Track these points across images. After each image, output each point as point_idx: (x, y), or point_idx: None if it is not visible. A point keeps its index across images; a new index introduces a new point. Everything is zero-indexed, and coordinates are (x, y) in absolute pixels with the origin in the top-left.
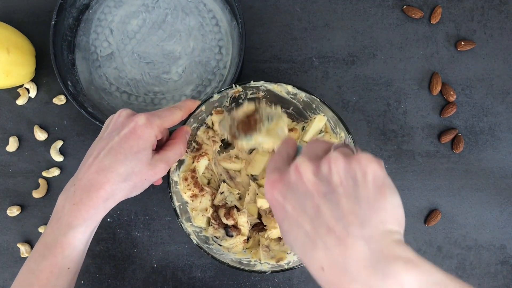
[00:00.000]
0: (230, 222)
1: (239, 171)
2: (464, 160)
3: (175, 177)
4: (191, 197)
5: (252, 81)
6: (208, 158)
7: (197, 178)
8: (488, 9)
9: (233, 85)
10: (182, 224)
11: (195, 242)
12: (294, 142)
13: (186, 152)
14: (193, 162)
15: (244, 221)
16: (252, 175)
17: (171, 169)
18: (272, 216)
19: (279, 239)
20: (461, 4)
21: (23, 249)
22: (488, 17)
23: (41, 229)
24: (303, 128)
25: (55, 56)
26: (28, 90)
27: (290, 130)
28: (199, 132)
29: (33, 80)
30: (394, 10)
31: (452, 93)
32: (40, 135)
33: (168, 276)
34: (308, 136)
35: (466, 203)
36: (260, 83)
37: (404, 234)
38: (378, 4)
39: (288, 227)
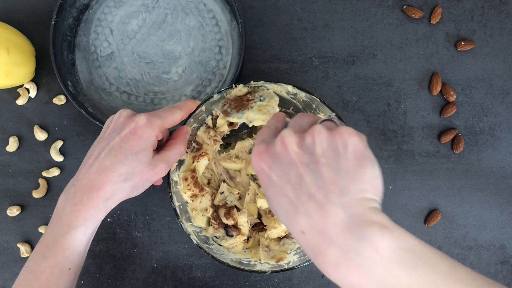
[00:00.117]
0: (230, 222)
1: (239, 171)
2: (464, 160)
3: (175, 177)
4: (191, 197)
5: (252, 81)
6: (208, 158)
7: (197, 178)
8: (488, 9)
9: (233, 85)
10: (182, 224)
11: (195, 242)
12: (283, 117)
13: (186, 152)
14: (193, 162)
15: (244, 221)
16: (252, 175)
17: (171, 169)
18: (272, 216)
19: (279, 239)
20: (461, 4)
21: (23, 249)
22: (488, 17)
23: (41, 229)
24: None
25: (55, 56)
26: (28, 90)
27: None
28: (199, 132)
29: (33, 80)
30: (394, 10)
31: (452, 93)
32: (40, 135)
33: (168, 276)
34: None
35: (466, 203)
36: (260, 83)
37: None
38: (378, 4)
39: (273, 195)
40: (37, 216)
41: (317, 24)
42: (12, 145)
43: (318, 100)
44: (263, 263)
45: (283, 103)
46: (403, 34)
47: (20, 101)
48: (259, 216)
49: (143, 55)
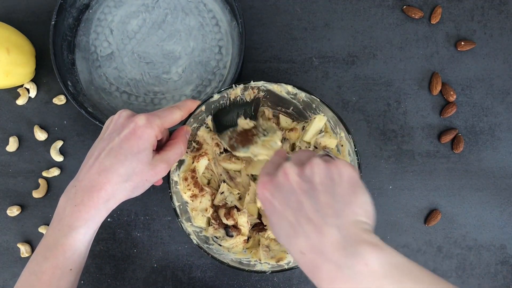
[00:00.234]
0: (230, 222)
1: (239, 171)
2: (464, 160)
3: (175, 177)
4: (191, 197)
5: (252, 81)
6: (208, 158)
7: (197, 178)
8: (488, 9)
9: (233, 85)
10: (182, 224)
11: (195, 242)
12: (284, 153)
13: (186, 152)
14: (193, 162)
15: (244, 221)
16: (252, 175)
17: (171, 169)
18: None
19: None
20: (461, 4)
21: (23, 249)
22: (488, 17)
23: (41, 229)
24: (303, 128)
25: (55, 56)
26: (28, 90)
27: (291, 129)
28: (199, 132)
29: (33, 80)
30: (394, 10)
31: (452, 93)
32: (40, 135)
33: (168, 276)
34: (308, 136)
35: (466, 203)
36: (260, 83)
37: (404, 235)
38: (378, 4)
39: (275, 220)
40: (37, 216)
41: (317, 24)
42: (12, 145)
43: (318, 100)
44: (263, 263)
45: (283, 103)
46: (403, 34)
47: (20, 101)
48: (259, 216)
49: (143, 55)
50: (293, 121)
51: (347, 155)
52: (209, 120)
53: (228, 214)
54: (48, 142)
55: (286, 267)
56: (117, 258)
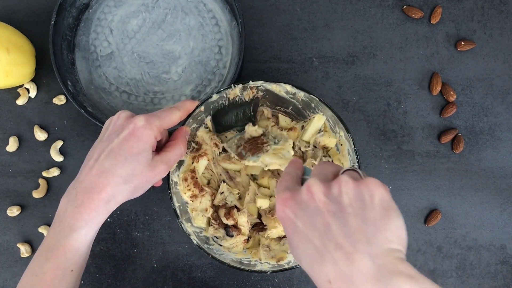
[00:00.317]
0: (230, 222)
1: (238, 171)
2: (464, 160)
3: (174, 177)
4: (191, 197)
5: (251, 81)
6: (208, 158)
7: (196, 178)
8: (488, 9)
9: (232, 85)
10: (182, 225)
11: (195, 242)
12: (300, 163)
13: (186, 152)
14: (192, 163)
15: (244, 221)
16: (251, 175)
17: (171, 170)
18: (272, 216)
19: (279, 238)
20: (461, 4)
21: (23, 249)
22: (488, 17)
23: (41, 229)
24: (302, 128)
25: (54, 56)
26: (28, 90)
27: (290, 129)
28: (198, 133)
29: (33, 80)
30: (394, 10)
31: (452, 93)
32: (40, 135)
33: (168, 276)
34: (307, 135)
35: (466, 203)
36: (259, 83)
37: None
38: (378, 4)
39: (298, 242)
40: (37, 216)
41: (317, 24)
42: (12, 145)
43: (317, 99)
44: (264, 263)
45: (282, 102)
46: (403, 34)
47: (20, 101)
48: (259, 216)
49: (143, 54)
50: (292, 121)
51: (346, 154)
52: (208, 121)
53: (228, 214)
54: (48, 142)
55: (286, 266)
56: (117, 258)
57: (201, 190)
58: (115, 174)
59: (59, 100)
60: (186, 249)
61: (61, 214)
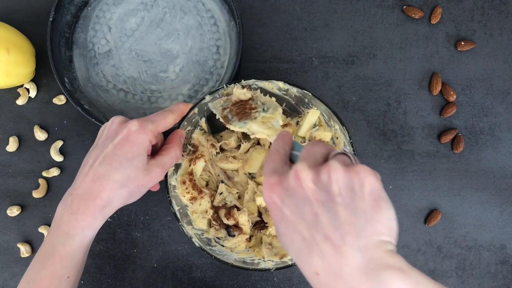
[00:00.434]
0: (231, 222)
1: (236, 170)
2: (464, 160)
3: (173, 181)
4: (190, 200)
5: (243, 80)
6: (205, 160)
7: (195, 180)
8: (488, 9)
9: (224, 85)
10: (183, 228)
11: (197, 244)
12: (290, 138)
13: (182, 155)
14: (190, 165)
15: (245, 220)
16: (249, 174)
17: (168, 174)
18: None
19: None
20: (461, 4)
21: (23, 249)
22: (488, 17)
23: (41, 229)
24: (297, 123)
25: (52, 53)
26: (28, 90)
27: (284, 125)
28: (194, 135)
29: (33, 80)
30: (394, 10)
31: (452, 93)
32: (40, 135)
33: (168, 276)
34: (302, 131)
35: (466, 203)
36: (251, 81)
37: (404, 234)
38: (378, 4)
39: (285, 230)
40: (37, 216)
41: (317, 24)
42: (12, 145)
43: (310, 94)
44: (267, 261)
45: (276, 99)
46: (403, 34)
47: (20, 101)
48: (260, 214)
49: (140, 53)
50: (287, 117)
51: (343, 147)
52: (203, 122)
53: (229, 214)
54: (48, 142)
55: (290, 263)
56: (117, 258)
57: (200, 192)
58: (110, 179)
59: (59, 100)
60: (186, 249)
61: (57, 220)
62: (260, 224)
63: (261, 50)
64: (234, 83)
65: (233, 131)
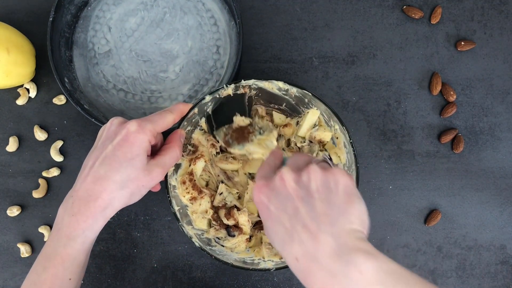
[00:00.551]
0: (231, 222)
1: (236, 170)
2: (464, 160)
3: (173, 181)
4: (190, 200)
5: (243, 80)
6: (205, 160)
7: (195, 180)
8: (488, 9)
9: (224, 85)
10: (183, 228)
11: (197, 245)
12: (280, 154)
13: (182, 155)
14: (190, 165)
15: (245, 220)
16: (249, 174)
17: (168, 174)
18: None
19: None
20: (461, 4)
21: (23, 249)
22: (488, 17)
23: (41, 229)
24: (297, 123)
25: (52, 53)
26: (28, 90)
27: (285, 126)
28: (194, 135)
29: (33, 80)
30: (394, 10)
31: (452, 93)
32: (40, 135)
33: (168, 276)
34: (302, 131)
35: (466, 203)
36: (251, 81)
37: (404, 235)
38: (378, 4)
39: (271, 224)
40: (37, 216)
41: (317, 24)
42: (12, 145)
43: (310, 94)
44: (267, 261)
45: (276, 99)
46: (403, 34)
47: (20, 101)
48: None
49: (140, 53)
50: (286, 117)
51: (342, 147)
52: (203, 122)
53: (229, 214)
54: (48, 142)
55: None
56: (117, 258)
57: (200, 192)
58: (111, 180)
59: (59, 100)
60: (186, 249)
61: (58, 223)
62: (260, 224)
63: (261, 50)
64: (234, 84)
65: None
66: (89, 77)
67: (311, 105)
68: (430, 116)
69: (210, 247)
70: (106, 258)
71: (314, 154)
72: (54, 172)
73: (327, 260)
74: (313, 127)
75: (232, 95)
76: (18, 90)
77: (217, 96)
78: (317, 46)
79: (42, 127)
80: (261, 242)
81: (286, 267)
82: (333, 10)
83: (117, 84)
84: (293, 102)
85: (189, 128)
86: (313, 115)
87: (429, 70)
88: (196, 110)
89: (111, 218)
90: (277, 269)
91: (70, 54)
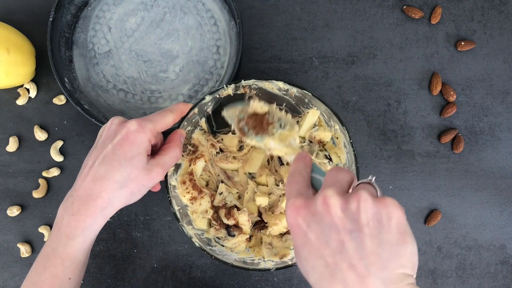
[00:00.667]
0: (231, 222)
1: (236, 170)
2: (464, 160)
3: (173, 181)
4: (190, 200)
5: (243, 80)
6: (205, 160)
7: (195, 180)
8: (488, 9)
9: (224, 86)
10: (183, 228)
11: (197, 245)
12: (310, 160)
13: (182, 155)
14: (190, 165)
15: (245, 220)
16: (249, 174)
17: (169, 174)
18: (273, 213)
19: (281, 235)
20: (461, 4)
21: (23, 249)
22: (488, 17)
23: (41, 229)
24: (297, 123)
25: (52, 53)
26: (28, 90)
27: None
28: (194, 135)
29: (33, 80)
30: (394, 10)
31: (452, 93)
32: (40, 135)
33: (168, 276)
34: (302, 131)
35: (466, 203)
36: (251, 81)
37: None
38: (378, 4)
39: (308, 255)
40: (37, 216)
41: (317, 24)
42: (12, 145)
43: (310, 94)
44: (267, 261)
45: (276, 100)
46: (403, 34)
47: (20, 101)
48: (260, 214)
49: (140, 53)
50: None
51: (343, 147)
52: (203, 122)
53: (229, 214)
54: (48, 142)
55: (290, 263)
56: (117, 258)
57: (200, 192)
58: (111, 179)
59: (59, 100)
60: (186, 249)
61: (58, 222)
62: (260, 224)
63: (261, 50)
64: (234, 84)
65: (234, 134)
66: (89, 77)
67: (311, 105)
68: (430, 116)
69: (210, 247)
70: (106, 258)
71: (314, 154)
72: (54, 172)
73: None
74: (313, 127)
75: (232, 95)
76: (18, 90)
77: (217, 96)
78: (317, 46)
79: (42, 127)
80: (261, 242)
81: (286, 267)
82: (333, 10)
83: (117, 84)
84: (293, 102)
85: (189, 128)
86: (313, 115)
87: (429, 70)
88: (196, 110)
89: (111, 218)
90: (277, 269)
91: (70, 54)
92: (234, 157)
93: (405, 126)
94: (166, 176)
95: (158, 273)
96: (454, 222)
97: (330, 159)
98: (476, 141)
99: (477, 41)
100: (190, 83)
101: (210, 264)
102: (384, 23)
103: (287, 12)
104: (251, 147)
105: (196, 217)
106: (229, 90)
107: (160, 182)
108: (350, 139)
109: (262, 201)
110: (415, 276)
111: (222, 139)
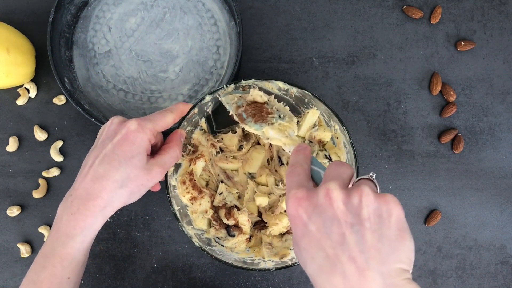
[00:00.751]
0: (231, 222)
1: (236, 170)
2: (464, 160)
3: (173, 181)
4: (190, 200)
5: (242, 80)
6: (205, 160)
7: (195, 180)
8: (488, 9)
9: (224, 85)
10: (183, 228)
11: (197, 245)
12: (309, 152)
13: (182, 155)
14: (190, 165)
15: (245, 220)
16: (249, 173)
17: (168, 174)
18: (273, 213)
19: (281, 235)
20: (461, 4)
21: (23, 249)
22: (488, 17)
23: (41, 229)
24: (297, 123)
25: (52, 53)
26: (28, 90)
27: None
28: (194, 135)
29: (33, 80)
30: (394, 10)
31: (452, 93)
32: (40, 135)
33: (168, 276)
34: (302, 131)
35: (466, 203)
36: (251, 81)
37: None
38: (378, 4)
39: (307, 245)
40: (37, 216)
41: (317, 24)
42: (12, 145)
43: (310, 94)
44: (267, 261)
45: (276, 100)
46: (403, 34)
47: (20, 101)
48: (260, 214)
49: (140, 53)
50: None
51: (342, 147)
52: (203, 122)
53: (229, 214)
54: (48, 142)
55: (290, 263)
56: (117, 258)
57: (200, 192)
58: (110, 179)
59: (59, 100)
60: (186, 249)
61: (57, 221)
62: (260, 224)
63: (261, 50)
64: (234, 83)
65: (234, 134)
66: (89, 77)
67: (311, 105)
68: (430, 116)
69: (210, 247)
70: (106, 258)
71: (314, 154)
72: (54, 172)
73: None
74: (313, 127)
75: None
76: (18, 90)
77: (217, 96)
78: (317, 46)
79: (42, 127)
80: (261, 242)
81: (286, 267)
82: (333, 10)
83: (117, 84)
84: (293, 102)
85: (189, 128)
86: (313, 115)
87: (429, 70)
88: (196, 110)
89: (111, 218)
90: (277, 269)
91: (70, 54)
92: (234, 157)
93: (405, 126)
94: (166, 176)
95: (158, 273)
96: (454, 222)
97: (330, 159)
98: (476, 141)
99: (477, 41)
100: (190, 83)
101: (210, 264)
102: (384, 23)
103: (287, 12)
104: (251, 146)
105: (196, 217)
106: (229, 90)
107: (160, 182)
108: (350, 139)
109: (262, 201)
110: (411, 272)
111: (222, 139)
